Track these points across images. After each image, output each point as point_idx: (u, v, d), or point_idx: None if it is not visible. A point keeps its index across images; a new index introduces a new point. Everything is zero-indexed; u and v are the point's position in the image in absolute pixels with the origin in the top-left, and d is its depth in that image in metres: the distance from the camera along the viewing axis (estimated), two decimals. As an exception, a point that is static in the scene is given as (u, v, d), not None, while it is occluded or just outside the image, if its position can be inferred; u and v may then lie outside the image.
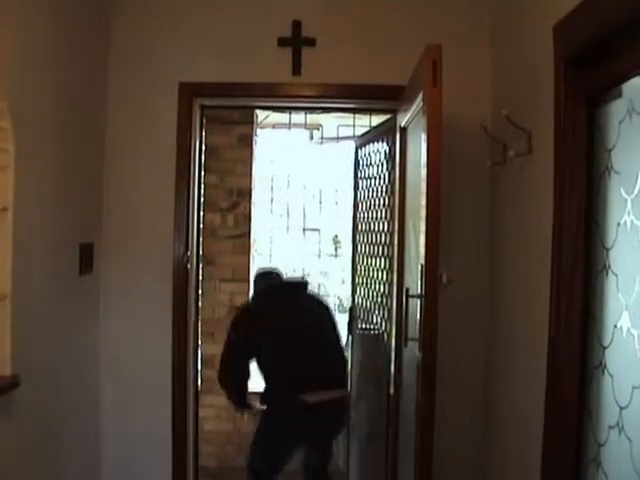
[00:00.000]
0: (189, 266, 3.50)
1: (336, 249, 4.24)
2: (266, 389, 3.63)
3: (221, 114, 4.68)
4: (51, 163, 2.81)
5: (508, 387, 3.04)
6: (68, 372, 3.06)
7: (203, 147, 3.67)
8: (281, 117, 4.87)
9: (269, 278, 3.88)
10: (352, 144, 4.34)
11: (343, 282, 4.64)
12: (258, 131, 4.51)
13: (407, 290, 2.82)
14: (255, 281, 3.97)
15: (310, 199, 4.33)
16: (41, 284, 2.72)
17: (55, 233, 2.87)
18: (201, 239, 3.72)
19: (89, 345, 3.36)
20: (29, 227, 2.55)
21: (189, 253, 3.48)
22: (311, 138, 4.03)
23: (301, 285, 3.93)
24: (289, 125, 4.80)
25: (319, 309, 3.83)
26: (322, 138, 4.92)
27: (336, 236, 4.73)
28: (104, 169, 3.46)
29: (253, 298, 3.94)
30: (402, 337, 2.85)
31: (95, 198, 3.38)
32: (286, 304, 3.73)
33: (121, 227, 3.48)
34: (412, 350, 2.77)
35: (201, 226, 3.71)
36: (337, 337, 3.80)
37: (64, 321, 2.98)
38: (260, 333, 3.62)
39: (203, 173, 3.70)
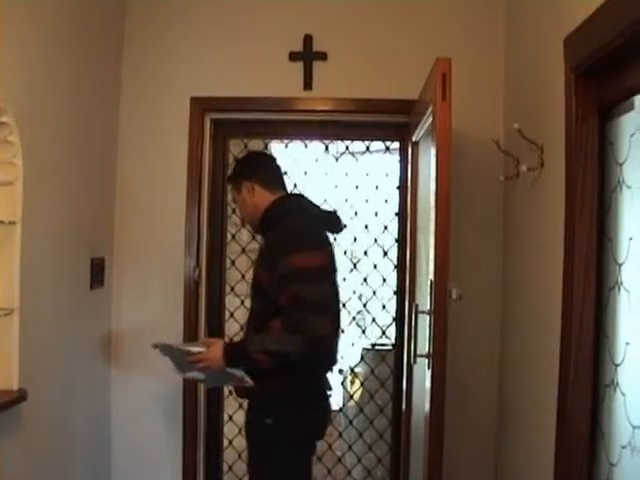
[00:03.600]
0: (200, 280, 3.50)
1: (355, 265, 4.20)
2: (295, 382, 2.51)
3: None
4: (62, 177, 2.82)
5: (519, 404, 3.00)
6: (78, 386, 3.06)
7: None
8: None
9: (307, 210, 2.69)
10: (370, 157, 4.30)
11: (360, 296, 4.59)
12: (272, 145, 4.51)
13: (416, 306, 2.79)
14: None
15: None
16: (50, 298, 2.73)
17: (65, 247, 2.88)
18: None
19: (100, 359, 3.36)
20: (38, 241, 2.55)
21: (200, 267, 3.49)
22: (326, 150, 4.01)
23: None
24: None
25: None
26: (337, 152, 4.91)
27: (352, 252, 4.67)
28: (116, 184, 3.48)
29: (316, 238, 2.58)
30: (411, 353, 2.82)
31: (107, 213, 3.40)
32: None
33: (133, 242, 3.48)
34: (422, 366, 2.75)
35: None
36: None
37: (74, 335, 2.98)
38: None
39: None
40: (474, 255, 3.38)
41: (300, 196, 2.78)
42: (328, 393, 2.68)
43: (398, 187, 3.70)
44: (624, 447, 2.01)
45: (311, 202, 2.72)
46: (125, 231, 3.48)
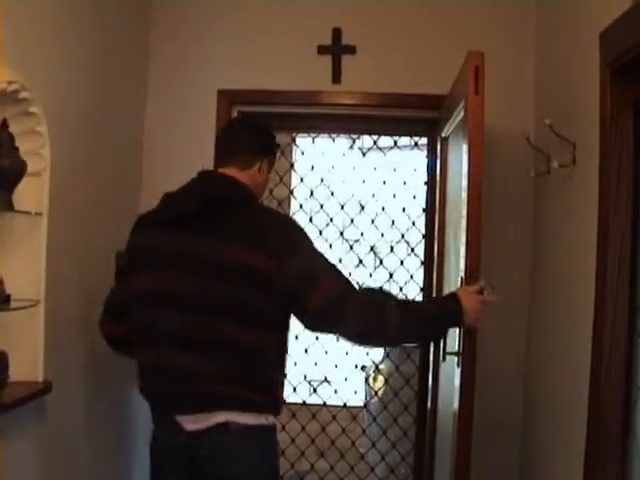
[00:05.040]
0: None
1: (381, 261, 4.17)
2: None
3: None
4: (87, 170, 2.81)
5: (548, 404, 2.95)
6: (101, 380, 3.05)
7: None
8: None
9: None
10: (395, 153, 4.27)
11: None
12: (298, 139, 4.49)
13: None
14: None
15: (351, 209, 4.29)
16: (76, 290, 2.72)
17: (91, 240, 2.86)
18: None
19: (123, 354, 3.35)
20: (64, 232, 2.54)
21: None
22: (351, 147, 3.99)
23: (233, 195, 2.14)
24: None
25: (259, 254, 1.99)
26: (364, 147, 4.88)
27: (372, 247, 4.64)
28: (142, 177, 3.47)
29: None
30: (440, 351, 2.79)
31: (132, 207, 3.37)
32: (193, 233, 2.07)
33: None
34: (450, 364, 2.71)
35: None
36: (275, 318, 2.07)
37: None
38: (135, 276, 2.17)
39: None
40: (503, 251, 3.33)
41: (200, 174, 2.26)
42: (176, 426, 2.03)
43: (426, 183, 3.65)
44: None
45: (191, 182, 2.21)
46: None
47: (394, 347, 2.26)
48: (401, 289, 4.04)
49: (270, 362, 2.08)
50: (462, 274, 2.48)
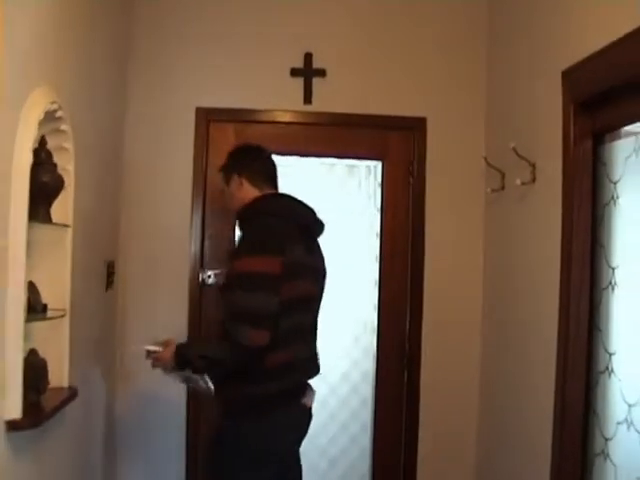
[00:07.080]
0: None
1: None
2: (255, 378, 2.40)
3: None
4: (90, 182, 2.90)
5: (511, 391, 3.25)
6: (97, 387, 3.17)
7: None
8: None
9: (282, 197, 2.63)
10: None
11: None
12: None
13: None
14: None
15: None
16: (84, 299, 2.80)
17: (91, 250, 2.96)
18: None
19: (110, 360, 3.46)
20: (80, 243, 2.63)
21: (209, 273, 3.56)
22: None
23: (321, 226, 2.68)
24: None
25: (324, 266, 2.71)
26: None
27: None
28: (122, 190, 3.54)
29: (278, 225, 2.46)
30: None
31: (114, 219, 3.47)
32: (312, 252, 2.62)
33: (137, 246, 3.54)
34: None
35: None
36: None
37: (95, 336, 3.08)
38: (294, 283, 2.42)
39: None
40: (455, 259, 3.68)
41: (285, 196, 2.62)
42: (302, 406, 2.52)
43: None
44: (620, 423, 2.33)
45: (297, 203, 2.59)
46: (130, 235, 3.55)
47: None
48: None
49: None
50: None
